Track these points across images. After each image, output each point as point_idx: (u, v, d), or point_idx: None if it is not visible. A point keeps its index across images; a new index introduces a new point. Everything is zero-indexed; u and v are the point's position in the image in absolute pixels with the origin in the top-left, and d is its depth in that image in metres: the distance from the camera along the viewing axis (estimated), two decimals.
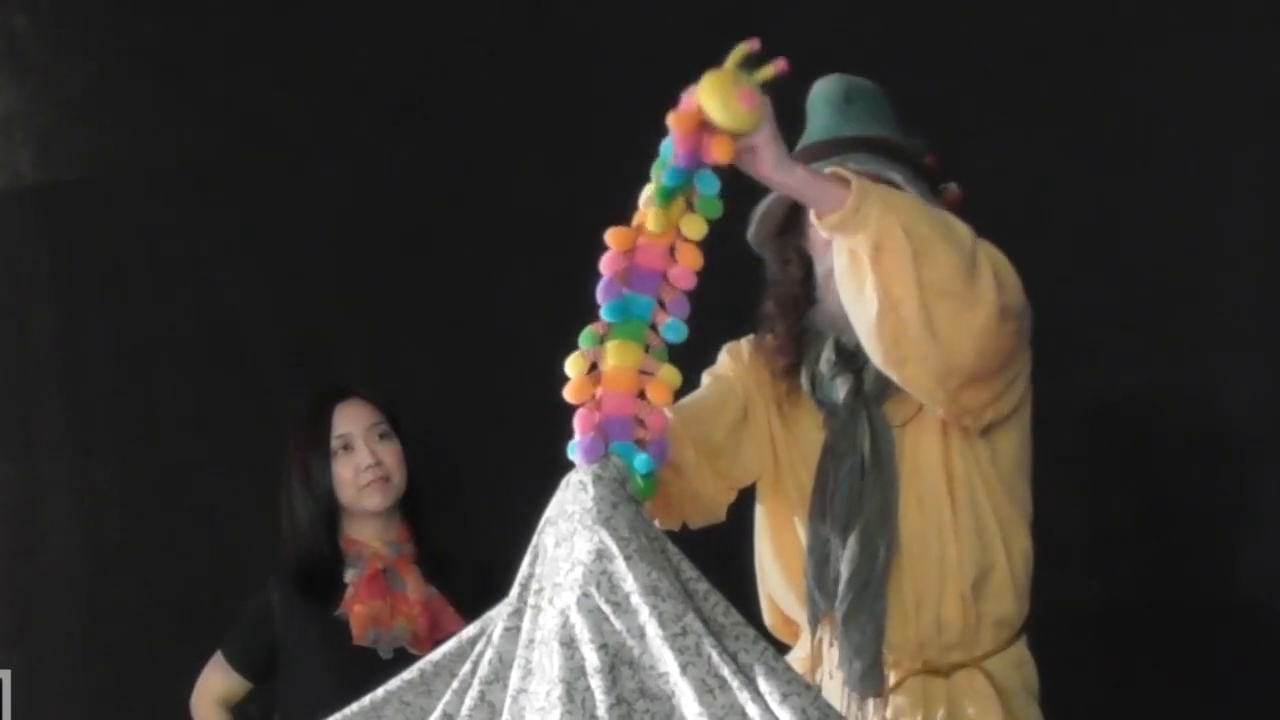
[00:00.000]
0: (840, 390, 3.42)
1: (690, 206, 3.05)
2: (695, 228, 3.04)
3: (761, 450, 3.50)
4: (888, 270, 3.08)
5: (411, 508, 4.20)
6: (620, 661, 2.94)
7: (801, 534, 3.46)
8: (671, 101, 2.94)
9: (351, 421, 4.14)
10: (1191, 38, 4.15)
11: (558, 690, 2.91)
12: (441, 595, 4.11)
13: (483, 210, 4.65)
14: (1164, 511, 3.64)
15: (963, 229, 3.15)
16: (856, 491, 3.35)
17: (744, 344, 3.57)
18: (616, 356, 3.05)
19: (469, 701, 3.04)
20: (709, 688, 2.89)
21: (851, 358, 3.40)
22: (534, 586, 3.04)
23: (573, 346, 3.02)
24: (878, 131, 3.40)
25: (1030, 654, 3.48)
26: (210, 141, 4.69)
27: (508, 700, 3.00)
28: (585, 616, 2.95)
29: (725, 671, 2.89)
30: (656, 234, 3.03)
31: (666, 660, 2.91)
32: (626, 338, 3.06)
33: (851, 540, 3.36)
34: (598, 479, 3.02)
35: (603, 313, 3.04)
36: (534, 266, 4.64)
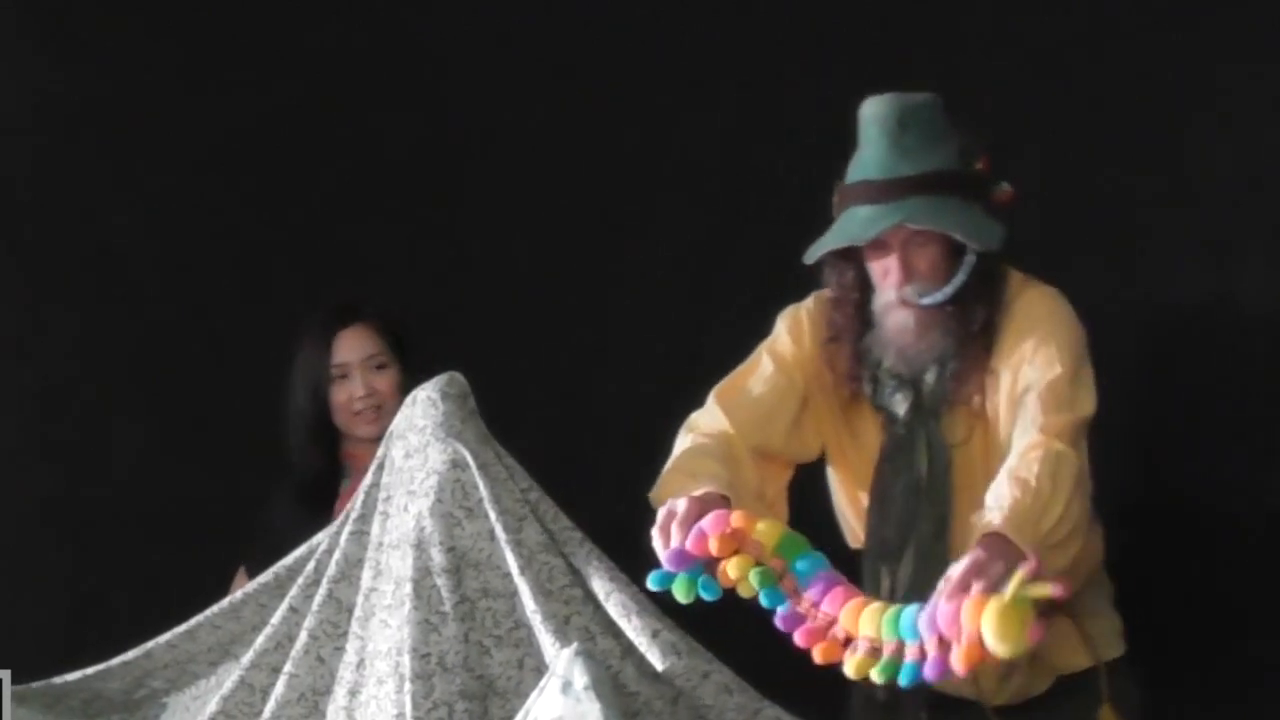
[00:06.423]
0: (900, 405, 3.46)
1: None
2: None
3: (822, 432, 3.53)
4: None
5: None
6: (466, 564, 3.12)
7: (863, 499, 3.52)
8: None
9: (350, 350, 4.14)
10: None
11: (406, 588, 3.10)
12: None
13: (343, 140, 4.76)
14: None
15: (1072, 518, 3.16)
16: (911, 508, 3.40)
17: (804, 317, 3.56)
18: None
19: (319, 598, 3.22)
20: (547, 590, 3.09)
21: (910, 370, 3.45)
22: (381, 495, 3.21)
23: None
24: (933, 163, 3.38)
25: None
26: (83, 81, 4.77)
27: (360, 598, 3.19)
28: (438, 520, 3.12)
29: (559, 573, 3.10)
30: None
31: (509, 562, 3.10)
32: None
33: (908, 555, 3.41)
34: (445, 395, 3.19)
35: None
36: (401, 192, 4.77)
